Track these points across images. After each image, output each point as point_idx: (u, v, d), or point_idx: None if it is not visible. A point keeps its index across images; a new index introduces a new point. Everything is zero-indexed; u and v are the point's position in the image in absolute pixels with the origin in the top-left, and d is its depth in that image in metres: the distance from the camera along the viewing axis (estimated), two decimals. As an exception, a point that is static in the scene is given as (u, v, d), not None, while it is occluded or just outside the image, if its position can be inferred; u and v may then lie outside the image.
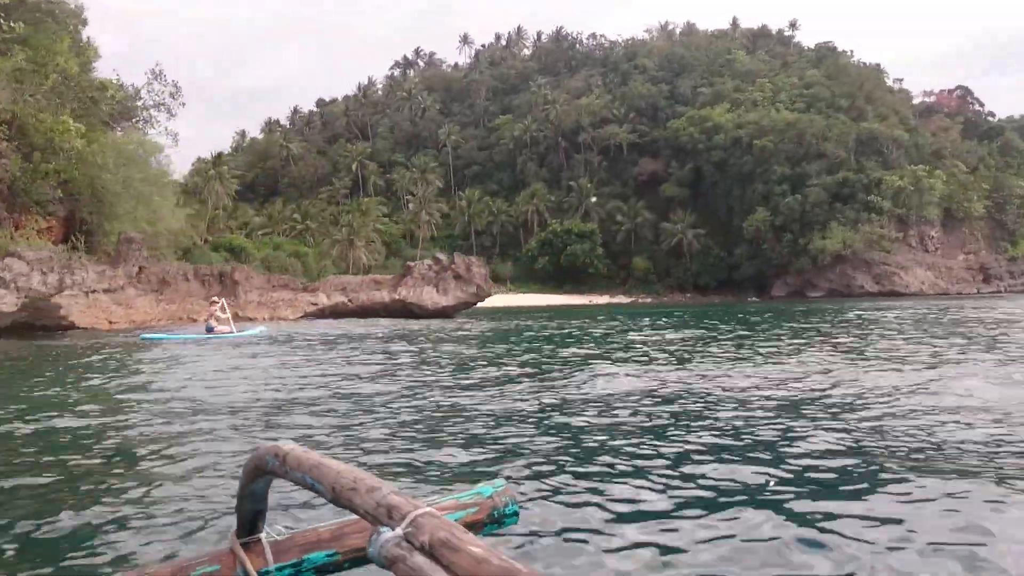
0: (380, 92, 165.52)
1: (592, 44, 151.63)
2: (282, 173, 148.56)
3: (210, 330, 27.09)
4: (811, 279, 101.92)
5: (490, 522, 2.09)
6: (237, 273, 33.82)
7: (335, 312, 35.68)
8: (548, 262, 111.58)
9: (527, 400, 9.83)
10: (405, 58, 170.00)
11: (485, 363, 15.08)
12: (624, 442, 7.11)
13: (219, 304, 28.29)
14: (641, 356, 16.00)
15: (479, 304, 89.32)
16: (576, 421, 8.28)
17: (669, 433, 7.52)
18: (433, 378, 12.83)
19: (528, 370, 13.84)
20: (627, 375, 11.98)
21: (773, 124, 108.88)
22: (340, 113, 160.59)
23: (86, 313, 26.69)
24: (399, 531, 1.14)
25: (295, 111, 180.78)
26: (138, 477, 6.06)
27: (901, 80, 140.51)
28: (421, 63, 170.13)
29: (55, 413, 9.56)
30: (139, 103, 41.44)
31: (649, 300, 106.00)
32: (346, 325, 28.90)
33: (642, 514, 4.96)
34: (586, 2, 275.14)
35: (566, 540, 4.48)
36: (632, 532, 4.62)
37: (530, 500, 5.18)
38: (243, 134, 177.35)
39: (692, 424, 8.00)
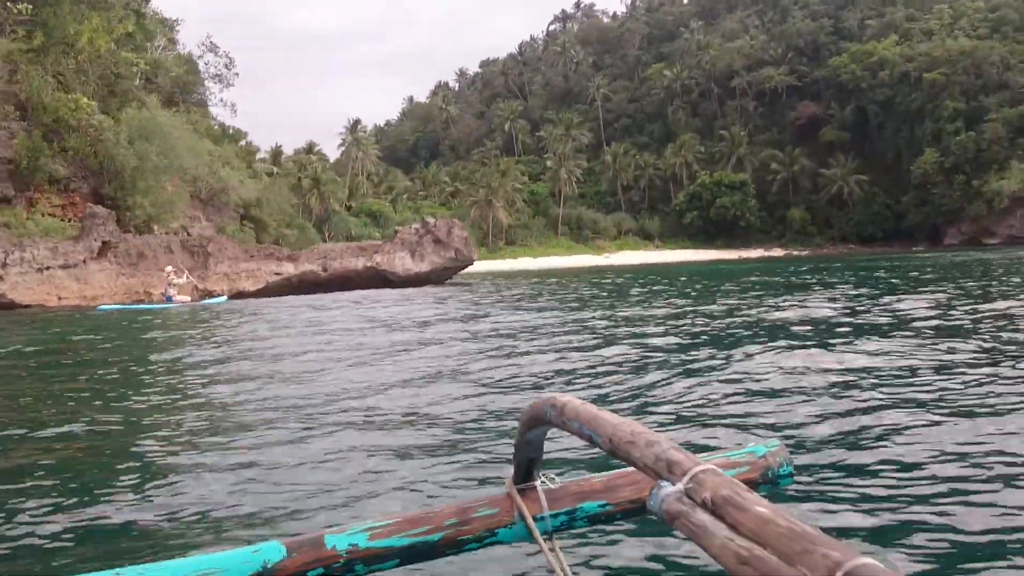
0: (540, 49, 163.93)
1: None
2: (443, 136, 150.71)
3: (169, 299, 27.32)
4: (988, 225, 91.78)
5: (762, 482, 2.03)
6: (211, 245, 33.72)
7: (304, 282, 34.42)
8: (697, 216, 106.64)
9: (788, 362, 9.09)
10: (564, 12, 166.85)
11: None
12: (908, 412, 6.38)
13: (172, 272, 28.54)
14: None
15: (607, 262, 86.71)
16: (849, 383, 7.68)
17: (963, 406, 6.55)
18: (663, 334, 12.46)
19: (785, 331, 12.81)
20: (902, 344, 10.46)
21: (947, 54, 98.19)
22: (499, 72, 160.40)
23: (35, 290, 27.37)
24: (680, 486, 1.14)
25: (461, 73, 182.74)
26: (419, 429, 6.42)
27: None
28: (581, 15, 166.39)
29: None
30: (191, 77, 42.27)
31: (806, 253, 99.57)
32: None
33: (923, 484, 4.60)
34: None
35: (844, 506, 4.26)
36: (910, 501, 4.34)
37: (804, 463, 4.95)
38: (411, 99, 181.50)
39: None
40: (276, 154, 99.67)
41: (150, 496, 4.93)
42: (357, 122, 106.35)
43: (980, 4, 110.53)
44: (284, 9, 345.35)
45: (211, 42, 45.63)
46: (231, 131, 65.73)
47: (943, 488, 4.50)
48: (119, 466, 5.68)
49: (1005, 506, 4.18)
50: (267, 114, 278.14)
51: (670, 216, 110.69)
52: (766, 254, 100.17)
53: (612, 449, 1.39)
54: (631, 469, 1.49)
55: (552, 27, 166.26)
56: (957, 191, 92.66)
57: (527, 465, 1.95)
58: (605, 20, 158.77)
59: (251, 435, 6.42)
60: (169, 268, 29.33)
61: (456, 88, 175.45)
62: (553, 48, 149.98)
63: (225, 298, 29.95)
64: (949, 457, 5.13)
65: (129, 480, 5.27)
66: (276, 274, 34.06)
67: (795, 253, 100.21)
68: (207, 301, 27.94)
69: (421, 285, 35.34)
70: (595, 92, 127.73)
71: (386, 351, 12.04)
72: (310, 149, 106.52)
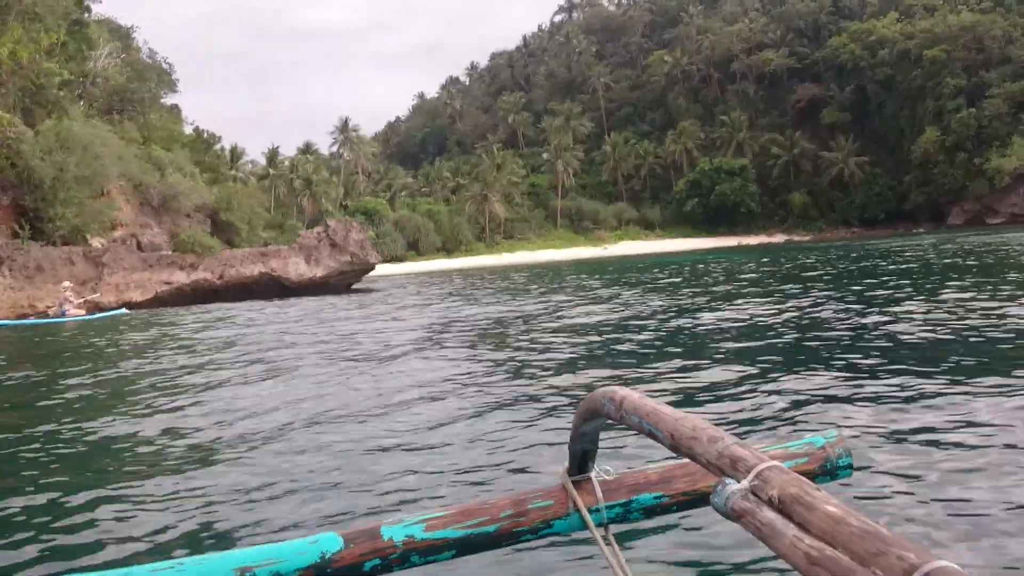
0: (545, 40, 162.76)
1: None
2: (450, 131, 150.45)
3: (63, 314, 27.36)
4: (991, 204, 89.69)
5: (821, 474, 2.04)
6: (106, 255, 33.48)
7: (198, 290, 33.98)
8: (697, 204, 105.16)
9: (847, 347, 9.42)
10: (569, 1, 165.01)
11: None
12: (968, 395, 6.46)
13: (69, 287, 28.60)
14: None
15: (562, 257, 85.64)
16: (907, 368, 7.79)
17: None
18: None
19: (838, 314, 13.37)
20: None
21: (948, 30, 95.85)
22: (505, 65, 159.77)
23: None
24: (745, 484, 1.13)
25: (472, 67, 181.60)
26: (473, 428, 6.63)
27: None
28: (585, 4, 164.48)
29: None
30: (132, 86, 42.35)
31: (808, 238, 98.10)
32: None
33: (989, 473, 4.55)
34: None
35: (907, 498, 4.23)
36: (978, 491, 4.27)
37: (863, 453, 4.91)
38: (421, 95, 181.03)
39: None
40: (272, 155, 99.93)
41: (205, 491, 5.17)
42: (347, 121, 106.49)
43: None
44: (301, 7, 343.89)
45: (149, 48, 45.78)
46: (205, 135, 65.99)
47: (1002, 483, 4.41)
48: (172, 466, 5.96)
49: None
50: (288, 112, 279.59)
51: (671, 204, 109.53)
52: (768, 240, 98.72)
53: (674, 445, 1.37)
54: (686, 460, 1.48)
55: (557, 17, 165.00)
56: (959, 169, 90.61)
57: (582, 457, 1.95)
58: (611, 8, 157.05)
59: (279, 437, 6.64)
60: (66, 283, 29.42)
61: (467, 82, 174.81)
62: (557, 38, 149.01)
63: (124, 310, 29.91)
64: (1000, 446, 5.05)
65: (185, 480, 5.52)
66: (166, 283, 33.75)
67: (796, 238, 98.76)
68: (105, 314, 27.91)
69: (319, 291, 34.97)
70: (596, 81, 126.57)
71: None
72: (307, 149, 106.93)
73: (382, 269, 78.02)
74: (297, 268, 35.56)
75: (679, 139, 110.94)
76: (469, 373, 9.56)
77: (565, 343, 12.12)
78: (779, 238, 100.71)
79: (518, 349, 11.79)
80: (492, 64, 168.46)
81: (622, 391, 1.61)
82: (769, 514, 1.06)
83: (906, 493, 4.28)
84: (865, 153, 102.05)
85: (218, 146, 70.96)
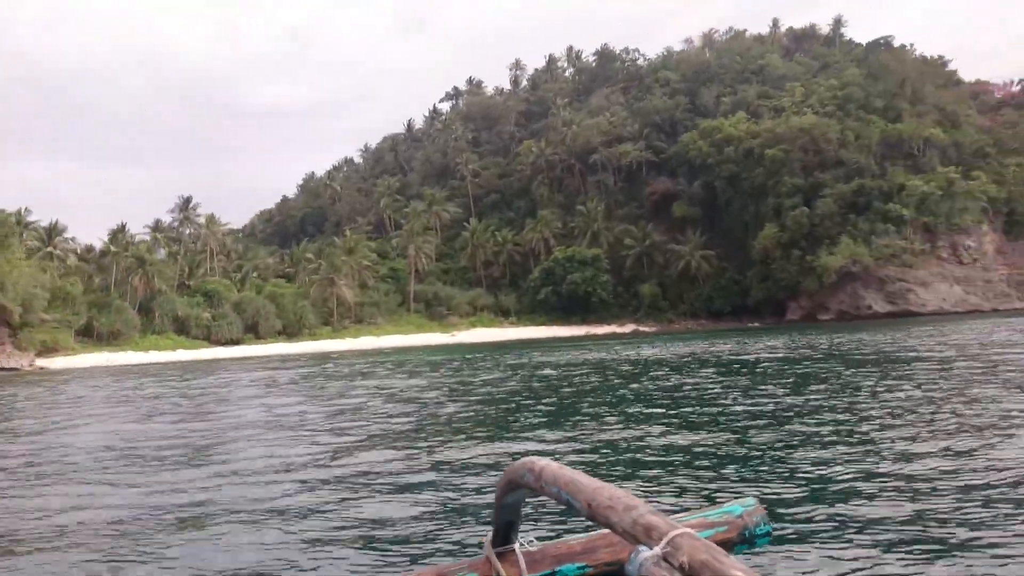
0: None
1: (626, 59, 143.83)
2: (330, 211, 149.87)
3: None
4: (821, 301, 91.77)
5: (740, 542, 2.07)
6: None
7: None
8: (551, 292, 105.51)
9: (766, 422, 9.96)
10: (455, 88, 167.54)
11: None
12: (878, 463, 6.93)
13: None
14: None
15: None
16: (826, 446, 8.20)
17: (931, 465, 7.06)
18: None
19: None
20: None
21: (789, 131, 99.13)
22: (389, 148, 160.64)
23: None
24: (657, 550, 1.15)
25: (365, 148, 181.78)
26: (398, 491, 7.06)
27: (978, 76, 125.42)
28: (467, 93, 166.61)
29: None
30: None
31: (655, 329, 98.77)
32: None
33: (899, 542, 4.82)
34: (650, 14, 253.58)
35: (822, 564, 4.38)
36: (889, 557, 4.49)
37: (781, 521, 5.09)
38: (312, 174, 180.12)
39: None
40: (117, 232, 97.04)
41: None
42: (188, 199, 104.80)
43: (833, 82, 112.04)
44: (250, 88, 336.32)
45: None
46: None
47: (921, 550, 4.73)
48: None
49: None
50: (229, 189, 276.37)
51: (527, 292, 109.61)
52: (617, 330, 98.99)
53: (591, 514, 1.39)
54: (608, 531, 1.47)
55: (444, 104, 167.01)
56: (794, 266, 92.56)
57: (505, 528, 1.98)
58: (497, 98, 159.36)
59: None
60: None
61: (360, 163, 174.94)
62: (437, 124, 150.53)
63: None
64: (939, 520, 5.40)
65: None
66: None
67: (643, 329, 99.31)
68: None
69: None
70: (465, 168, 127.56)
71: None
72: (156, 227, 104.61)
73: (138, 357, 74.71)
74: None
75: (537, 227, 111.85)
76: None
77: None
78: (629, 328, 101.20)
79: None
80: (379, 147, 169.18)
81: (541, 461, 1.62)
82: None
83: (820, 559, 4.48)
84: (713, 247, 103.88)
85: (12, 220, 68.23)
